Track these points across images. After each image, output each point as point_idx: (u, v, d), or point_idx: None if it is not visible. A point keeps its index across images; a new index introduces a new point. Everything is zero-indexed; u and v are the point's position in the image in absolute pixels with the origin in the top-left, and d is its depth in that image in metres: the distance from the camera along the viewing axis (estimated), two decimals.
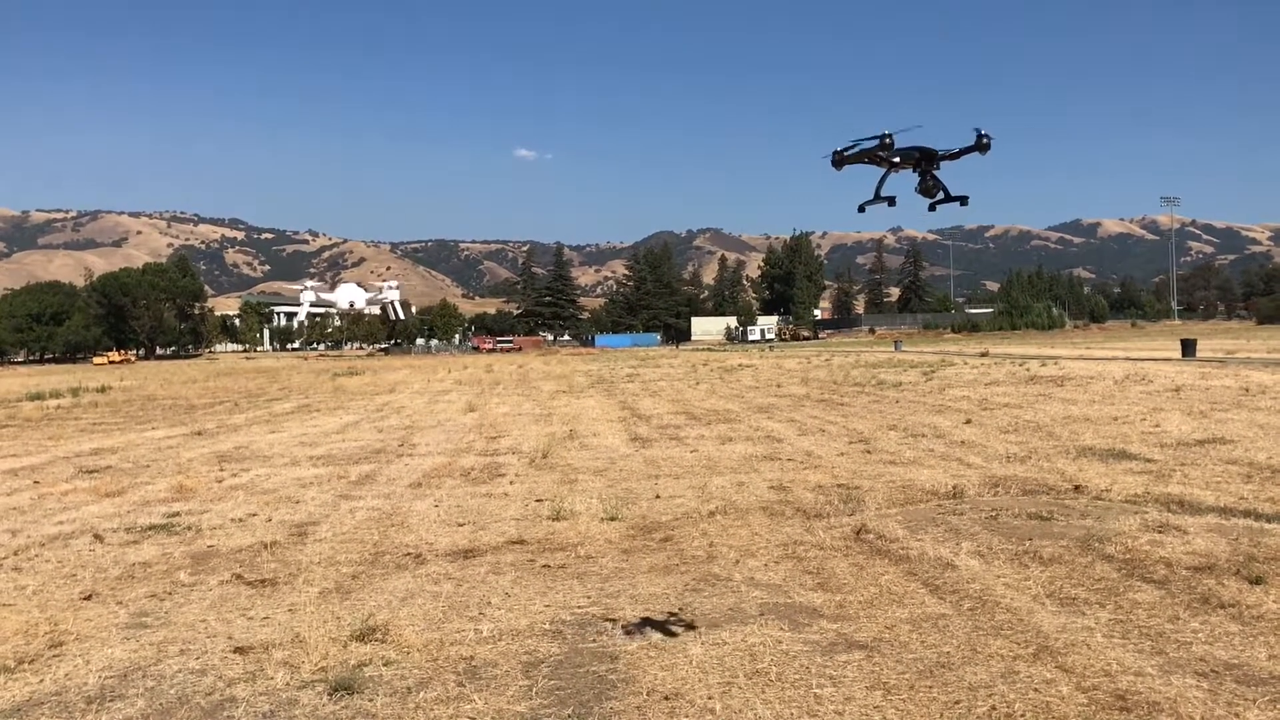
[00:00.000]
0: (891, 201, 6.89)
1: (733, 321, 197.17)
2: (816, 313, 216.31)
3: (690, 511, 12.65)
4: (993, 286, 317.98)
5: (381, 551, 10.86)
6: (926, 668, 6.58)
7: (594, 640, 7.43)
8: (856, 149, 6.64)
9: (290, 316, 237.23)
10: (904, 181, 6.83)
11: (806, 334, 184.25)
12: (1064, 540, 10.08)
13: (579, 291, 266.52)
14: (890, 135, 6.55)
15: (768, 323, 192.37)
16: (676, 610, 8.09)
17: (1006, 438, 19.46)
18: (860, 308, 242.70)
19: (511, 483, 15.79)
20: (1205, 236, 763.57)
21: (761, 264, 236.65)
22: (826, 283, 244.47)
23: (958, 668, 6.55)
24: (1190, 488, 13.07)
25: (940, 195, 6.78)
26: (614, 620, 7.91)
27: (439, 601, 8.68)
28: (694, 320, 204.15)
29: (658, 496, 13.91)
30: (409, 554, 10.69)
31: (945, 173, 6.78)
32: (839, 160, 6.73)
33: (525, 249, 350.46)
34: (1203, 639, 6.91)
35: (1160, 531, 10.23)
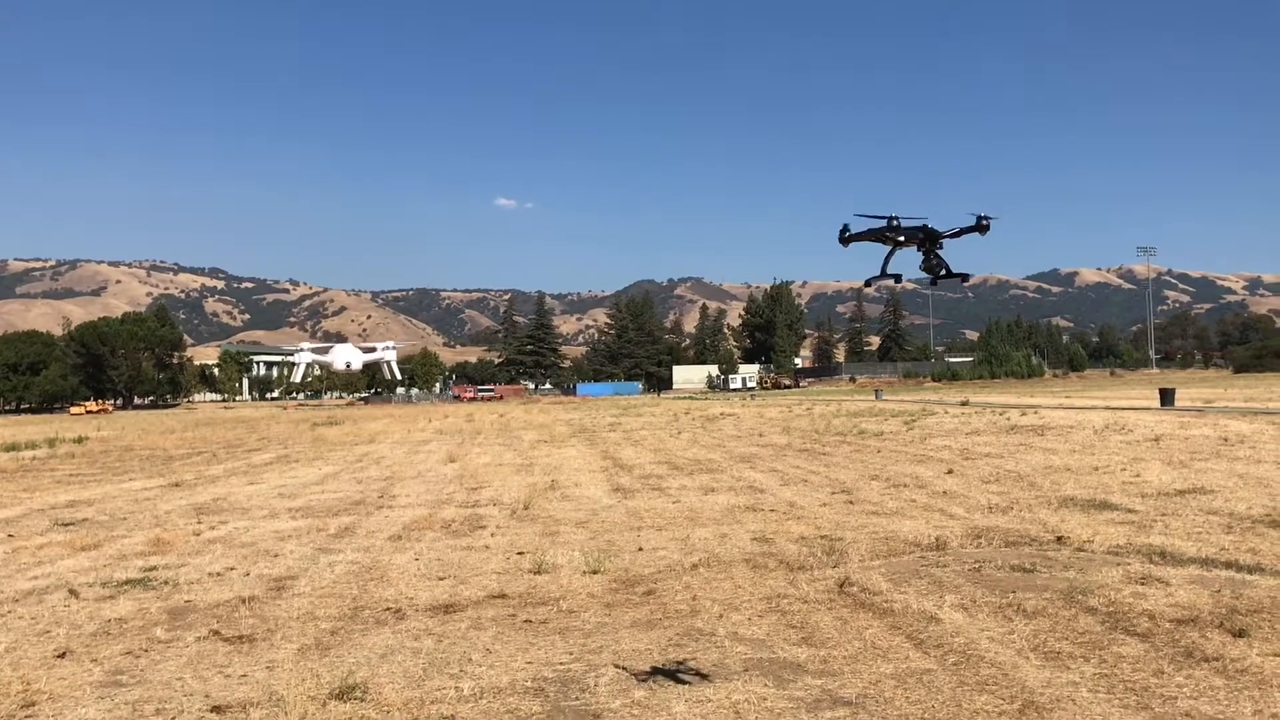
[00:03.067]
0: (898, 279, 7.13)
1: (714, 370, 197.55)
2: (797, 361, 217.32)
3: (673, 564, 12.58)
4: (972, 335, 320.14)
5: (361, 606, 10.74)
6: None
7: (576, 698, 7.35)
8: (865, 228, 6.85)
9: (270, 366, 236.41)
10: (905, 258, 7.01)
11: (787, 382, 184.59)
12: (1047, 593, 10.07)
13: (560, 340, 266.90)
14: (897, 218, 6.77)
15: (749, 371, 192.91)
16: (660, 666, 8.01)
17: (988, 488, 19.48)
18: (841, 356, 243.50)
19: (493, 535, 15.67)
20: (1181, 286, 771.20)
21: (742, 313, 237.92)
22: (807, 331, 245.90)
23: None
24: (1172, 538, 13.09)
25: (943, 272, 7.01)
26: (596, 677, 7.83)
27: (419, 658, 8.58)
28: (675, 369, 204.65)
29: (640, 549, 13.84)
30: (389, 609, 10.58)
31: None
32: (846, 239, 6.94)
33: (507, 298, 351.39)
34: (1188, 694, 6.89)
35: (1143, 583, 10.24)
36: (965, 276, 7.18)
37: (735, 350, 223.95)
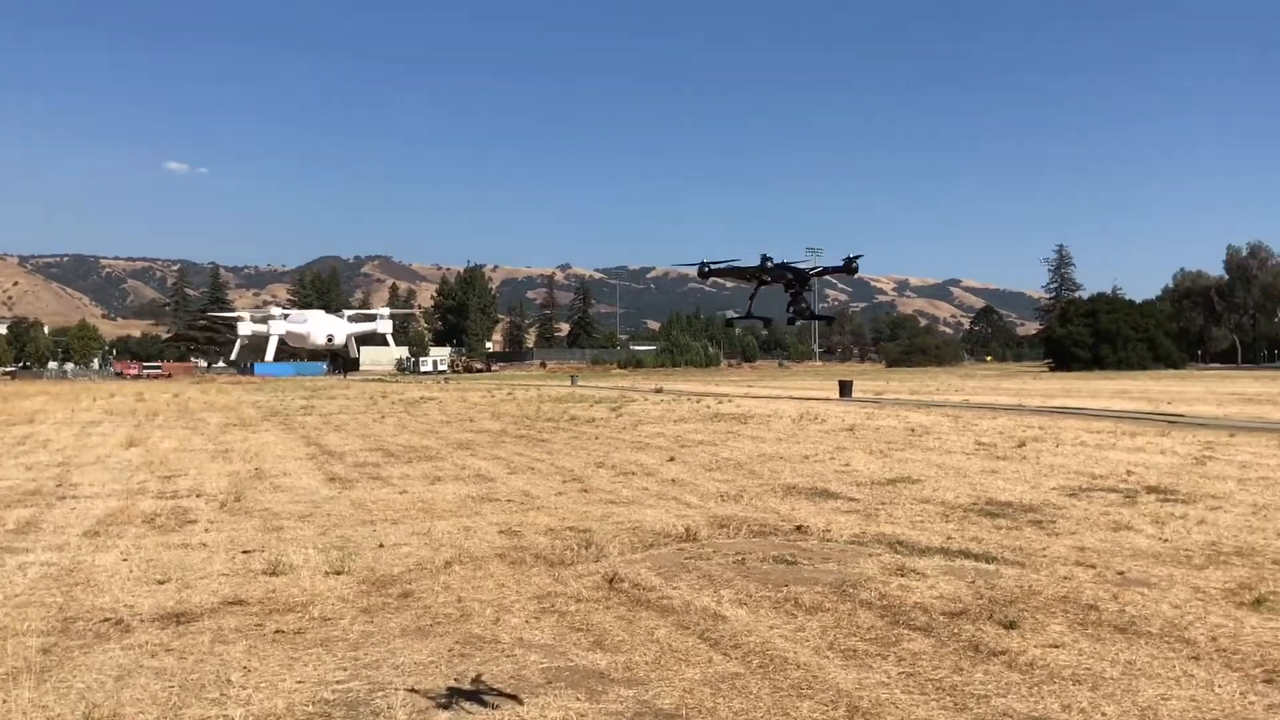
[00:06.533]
0: (767, 323, 6.93)
1: (404, 352, 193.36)
2: (489, 345, 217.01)
3: (423, 561, 11.81)
4: (654, 325, 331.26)
5: (72, 617, 9.31)
6: None
7: None
8: (726, 264, 6.48)
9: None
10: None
11: (479, 366, 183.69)
12: (818, 585, 10.17)
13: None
14: (770, 259, 6.46)
15: (440, 354, 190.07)
16: (455, 683, 7.31)
17: (713, 476, 19.86)
18: (532, 341, 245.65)
19: (207, 530, 14.24)
20: (841, 285, 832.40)
21: (434, 294, 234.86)
22: (499, 316, 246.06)
23: None
24: (899, 527, 13.70)
25: (809, 314, 6.84)
26: (386, 698, 7.03)
27: (165, 680, 7.43)
28: (364, 350, 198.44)
29: (381, 545, 12.92)
30: (108, 620, 9.22)
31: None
32: (707, 272, 6.56)
33: (176, 268, 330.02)
34: (994, 691, 7.00)
35: (901, 575, 10.56)
36: (831, 320, 7.12)
37: (426, 332, 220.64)
